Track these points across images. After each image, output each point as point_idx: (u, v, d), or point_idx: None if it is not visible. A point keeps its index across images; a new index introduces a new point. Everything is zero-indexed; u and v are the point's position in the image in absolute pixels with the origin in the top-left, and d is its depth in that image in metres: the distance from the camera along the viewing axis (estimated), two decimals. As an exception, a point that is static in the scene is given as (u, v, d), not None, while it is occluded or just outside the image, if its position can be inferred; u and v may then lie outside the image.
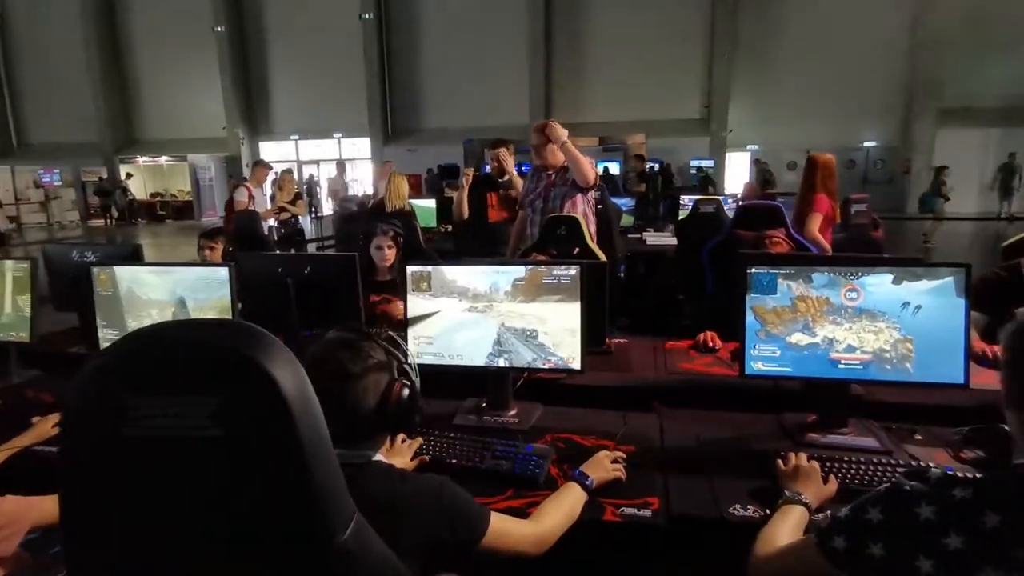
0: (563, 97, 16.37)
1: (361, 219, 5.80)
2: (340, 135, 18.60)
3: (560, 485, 1.32)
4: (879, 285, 1.49)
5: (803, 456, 1.34)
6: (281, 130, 19.08)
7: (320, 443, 0.64)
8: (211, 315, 1.91)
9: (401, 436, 1.49)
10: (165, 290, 1.96)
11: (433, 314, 1.72)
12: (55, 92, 19.14)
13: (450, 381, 1.77)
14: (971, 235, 11.44)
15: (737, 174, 15.19)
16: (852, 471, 1.33)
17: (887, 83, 14.58)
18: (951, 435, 1.52)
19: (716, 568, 1.26)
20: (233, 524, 0.63)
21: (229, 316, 1.92)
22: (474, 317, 1.68)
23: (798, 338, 1.55)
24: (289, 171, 7.61)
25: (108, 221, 18.14)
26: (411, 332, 1.73)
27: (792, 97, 15.14)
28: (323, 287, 2.18)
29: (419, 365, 1.63)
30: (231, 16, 17.90)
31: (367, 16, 16.81)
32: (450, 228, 5.75)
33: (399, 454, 1.43)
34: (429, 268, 1.72)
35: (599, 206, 3.61)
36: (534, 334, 1.65)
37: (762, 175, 13.16)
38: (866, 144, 15.22)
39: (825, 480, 1.28)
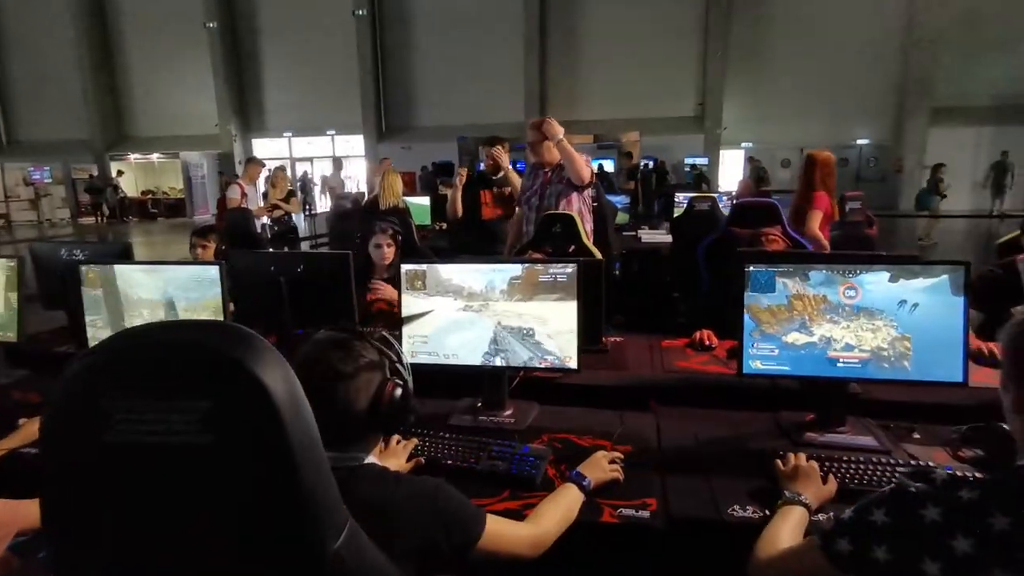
0: (558, 94, 16.35)
1: (355, 217, 5.77)
2: (334, 132, 18.52)
3: (557, 486, 1.31)
4: (876, 283, 1.48)
5: (802, 456, 1.33)
6: (274, 127, 18.97)
7: (311, 449, 0.62)
8: (203, 315, 1.88)
9: (396, 437, 1.47)
10: (155, 289, 1.93)
11: (427, 313, 1.69)
12: (45, 88, 18.96)
13: (445, 381, 1.76)
14: (963, 232, 11.50)
15: (731, 172, 15.23)
16: (851, 471, 1.32)
17: (880, 81, 14.64)
18: (949, 433, 1.52)
19: (716, 570, 1.25)
20: (221, 533, 0.61)
21: (221, 315, 1.89)
22: (469, 316, 1.66)
23: (795, 337, 1.54)
24: (282, 168, 7.54)
25: (99, 219, 17.98)
26: (406, 331, 1.71)
27: (785, 95, 15.19)
28: (317, 286, 2.16)
29: (414, 365, 1.61)
30: (223, 12, 17.77)
31: (360, 12, 16.73)
32: (445, 226, 5.73)
33: (394, 455, 1.41)
34: (424, 266, 1.70)
35: (595, 204, 3.59)
36: (531, 332, 1.63)
37: (756, 172, 13.18)
38: (859, 142, 15.29)
39: (824, 480, 1.27)
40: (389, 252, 2.76)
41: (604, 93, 16.01)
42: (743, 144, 15.75)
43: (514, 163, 3.98)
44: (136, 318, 1.94)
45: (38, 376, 2.15)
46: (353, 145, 18.16)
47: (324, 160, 19.04)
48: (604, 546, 1.27)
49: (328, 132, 18.57)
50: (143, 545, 0.63)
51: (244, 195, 5.99)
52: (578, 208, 3.31)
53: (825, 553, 0.87)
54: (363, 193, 10.08)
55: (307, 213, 15.00)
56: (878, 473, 1.30)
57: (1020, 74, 13.42)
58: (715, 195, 5.57)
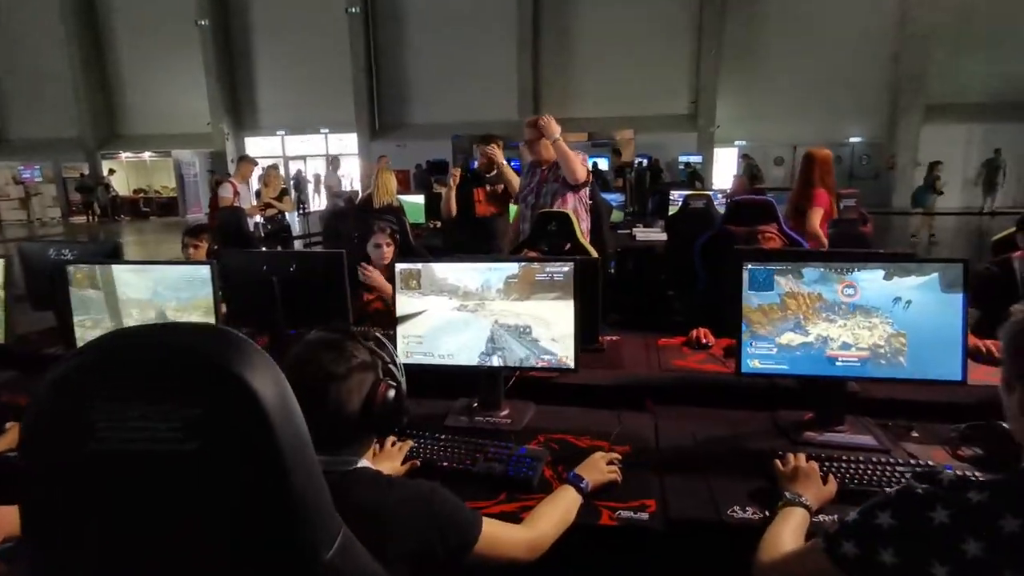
0: (551, 92, 16.32)
1: (349, 215, 5.74)
2: (327, 131, 18.42)
3: (554, 488, 1.29)
4: (872, 281, 1.47)
5: (802, 456, 1.32)
6: (267, 125, 18.86)
7: (303, 456, 0.60)
8: (193, 315, 1.85)
9: (392, 439, 1.45)
10: (145, 289, 1.90)
11: (420, 313, 1.67)
12: (35, 86, 18.76)
13: (440, 381, 1.74)
14: (954, 230, 11.56)
15: (724, 170, 15.26)
16: (851, 471, 1.31)
17: (873, 79, 14.69)
18: (948, 432, 1.51)
19: (716, 572, 1.24)
20: (211, 544, 0.59)
21: (212, 315, 1.86)
22: (465, 315, 1.64)
23: (789, 338, 1.52)
24: (275, 167, 7.48)
25: (90, 218, 17.84)
26: (400, 331, 1.69)
27: (779, 93, 15.22)
28: (310, 285, 2.14)
29: (409, 365, 1.59)
30: (215, 10, 17.63)
31: (353, 10, 16.64)
32: (439, 224, 5.70)
33: (389, 458, 1.39)
34: (419, 266, 1.68)
35: (590, 202, 3.58)
36: (528, 330, 1.61)
37: (750, 170, 13.22)
38: (852, 140, 15.34)
39: (824, 480, 1.26)
40: (388, 251, 2.74)
41: (598, 91, 16.00)
42: (736, 142, 15.78)
43: (508, 161, 3.95)
44: (126, 318, 1.91)
45: (27, 378, 2.12)
46: (346, 143, 18.07)
47: (317, 158, 18.98)
48: (602, 549, 1.26)
49: (321, 130, 18.47)
50: (129, 555, 0.60)
51: (236, 194, 5.94)
52: (573, 207, 3.30)
53: (830, 556, 0.86)
54: (357, 191, 10.03)
55: (301, 212, 14.91)
56: (878, 473, 1.29)
57: (1012, 72, 13.50)
58: (710, 193, 5.57)
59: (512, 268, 1.62)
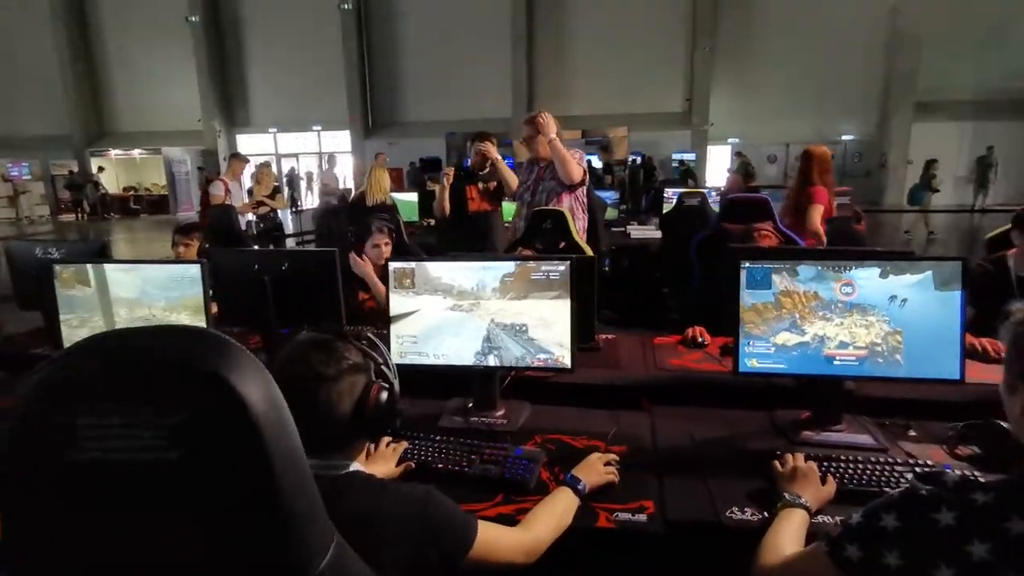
0: (546, 90, 16.29)
1: (342, 213, 5.70)
2: (320, 128, 18.32)
3: (551, 489, 1.27)
4: (868, 279, 1.46)
5: (800, 457, 1.31)
6: (259, 123, 18.73)
7: (294, 464, 0.58)
8: (181, 314, 1.82)
9: (386, 440, 1.43)
10: (134, 288, 1.86)
11: (413, 313, 1.65)
12: (22, 82, 18.51)
13: (434, 380, 1.72)
14: (947, 227, 11.61)
15: (718, 167, 15.29)
16: (850, 471, 1.30)
17: (864, 78, 14.76)
18: (945, 431, 1.51)
19: (715, 574, 1.22)
20: (198, 556, 0.56)
21: (202, 315, 1.83)
22: (460, 315, 1.62)
23: (785, 338, 1.51)
24: (267, 164, 7.42)
25: (79, 216, 17.67)
26: (394, 331, 1.67)
27: (771, 91, 15.27)
28: (302, 284, 2.11)
29: (403, 365, 1.57)
30: (205, 5, 17.48)
31: (346, 6, 16.53)
32: (432, 222, 5.67)
33: (383, 460, 1.37)
34: (413, 264, 1.65)
35: (586, 200, 3.57)
36: (524, 329, 1.59)
37: (743, 168, 13.24)
38: (844, 138, 15.41)
39: (823, 481, 1.25)
40: (387, 251, 2.72)
41: (592, 88, 15.99)
42: (730, 140, 15.81)
43: (503, 158, 3.94)
44: (113, 317, 1.87)
45: (14, 378, 2.08)
46: (340, 141, 17.98)
47: (310, 156, 18.88)
48: (600, 551, 1.24)
49: (314, 128, 18.36)
50: (114, 567, 0.58)
51: (228, 192, 5.89)
52: (569, 206, 3.28)
53: (833, 559, 0.84)
54: (350, 189, 9.98)
55: (294, 210, 14.83)
56: (876, 473, 1.29)
57: (1002, 70, 13.60)
58: (704, 190, 5.56)
59: (507, 267, 1.60)
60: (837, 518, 1.17)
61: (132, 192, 19.39)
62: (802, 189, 3.75)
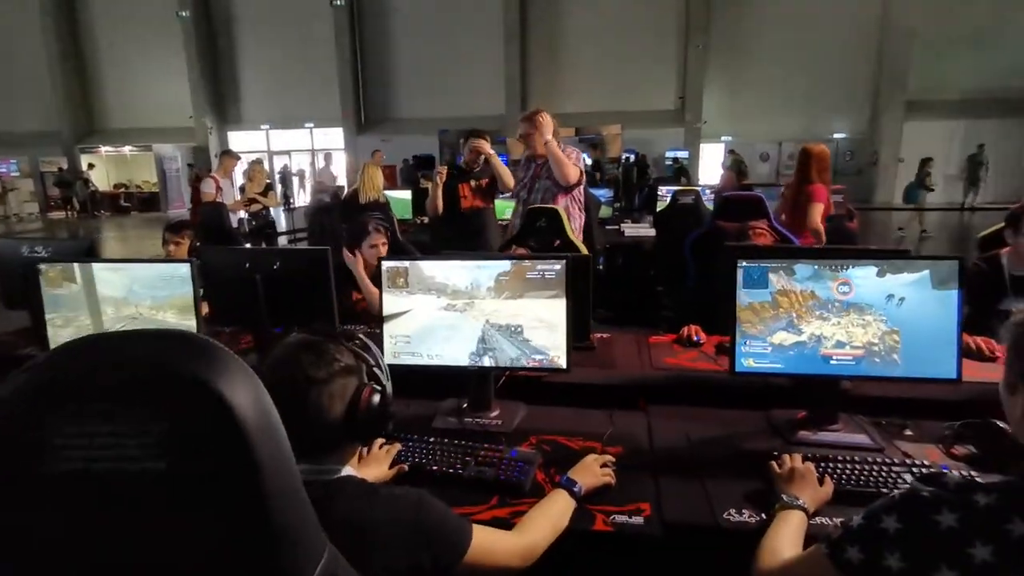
0: (539, 87, 16.26)
1: (334, 211, 5.66)
2: (312, 125, 18.20)
3: (547, 491, 1.26)
4: (865, 278, 1.45)
5: (798, 457, 1.30)
6: (251, 119, 18.59)
7: (284, 473, 0.56)
8: (169, 313, 1.79)
9: (379, 442, 1.41)
10: (121, 287, 1.83)
11: (405, 312, 1.63)
12: (11, 78, 18.26)
13: (428, 380, 1.70)
14: (937, 225, 11.69)
15: (711, 165, 15.32)
16: (847, 471, 1.29)
17: (856, 76, 14.82)
18: (941, 430, 1.50)
19: (712, 577, 1.21)
20: (184, 570, 0.54)
21: (190, 314, 1.80)
22: (455, 314, 1.60)
23: (782, 337, 1.50)
24: (259, 161, 7.36)
25: (69, 213, 17.49)
26: (388, 331, 1.65)
27: (764, 89, 15.30)
28: (294, 283, 2.08)
29: (397, 366, 1.55)
30: (196, 1, 17.30)
31: (339, 2, 16.43)
32: (425, 220, 5.64)
33: (376, 462, 1.35)
34: (406, 263, 1.63)
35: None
36: (519, 329, 1.58)
37: (736, 165, 13.27)
38: (836, 136, 15.47)
39: (820, 481, 1.24)
40: (384, 250, 2.69)
41: (585, 86, 15.97)
42: (723, 137, 15.85)
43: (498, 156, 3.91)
44: (99, 316, 1.84)
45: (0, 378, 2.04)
46: (332, 138, 17.88)
47: (302, 153, 18.78)
48: (597, 554, 1.23)
49: (306, 125, 18.25)
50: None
51: (219, 189, 5.84)
52: (565, 205, 3.27)
53: (833, 562, 0.83)
54: (342, 187, 9.93)
55: (287, 207, 14.76)
56: (874, 473, 1.28)
57: (992, 69, 13.68)
58: (698, 188, 5.56)
59: (502, 266, 1.58)
60: (836, 519, 1.16)
61: (123, 189, 19.20)
62: (800, 187, 3.75)
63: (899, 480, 1.26)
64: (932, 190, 11.00)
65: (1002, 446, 1.38)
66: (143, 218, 17.01)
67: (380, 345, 1.62)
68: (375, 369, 1.01)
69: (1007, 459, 1.31)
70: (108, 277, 1.83)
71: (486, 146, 3.73)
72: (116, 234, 13.84)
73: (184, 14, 17.03)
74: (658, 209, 5.58)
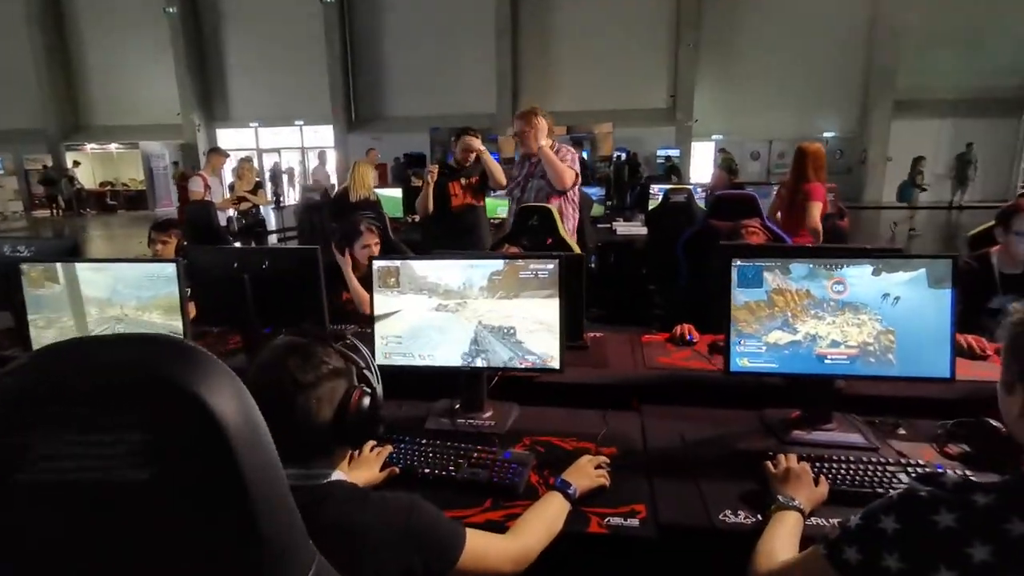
0: (530, 85, 16.22)
1: (324, 209, 5.61)
2: (302, 123, 18.06)
3: (541, 494, 1.24)
4: (860, 277, 1.45)
5: (793, 458, 1.29)
6: (239, 117, 18.41)
7: (270, 482, 0.54)
8: (154, 314, 1.76)
9: (371, 444, 1.38)
10: (105, 287, 1.79)
11: (401, 312, 1.61)
12: (-6, 74, 18.03)
13: (420, 381, 1.68)
14: (925, 223, 11.80)
15: (702, 164, 15.37)
16: (842, 471, 1.28)
17: (845, 75, 14.90)
18: (934, 428, 1.50)
19: (708, 579, 1.20)
20: (164, 583, 0.52)
21: (176, 314, 1.77)
22: (447, 315, 1.58)
23: (777, 336, 1.49)
24: (249, 159, 7.28)
25: (54, 212, 17.25)
26: (379, 331, 1.62)
27: (755, 88, 15.36)
28: (283, 282, 2.05)
29: (388, 367, 1.53)
30: (184, -4, 17.13)
31: (328, -1, 16.31)
32: (417, 218, 5.61)
33: (367, 465, 1.33)
34: (397, 263, 1.61)
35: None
36: (511, 331, 1.56)
37: (727, 164, 13.33)
38: (825, 135, 15.57)
39: (815, 482, 1.23)
40: (376, 250, 2.66)
41: (577, 84, 15.95)
42: (714, 136, 15.90)
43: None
44: (83, 318, 1.80)
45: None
46: (322, 135, 17.75)
47: (292, 151, 18.64)
48: (592, 556, 1.21)
49: (296, 122, 18.11)
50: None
51: (207, 187, 5.77)
52: (558, 205, 3.26)
53: (831, 563, 0.83)
54: (333, 185, 9.86)
55: (277, 206, 14.63)
56: (869, 473, 1.27)
57: (979, 68, 13.80)
58: (690, 187, 5.57)
59: (495, 266, 1.56)
60: (832, 520, 1.15)
61: (109, 187, 18.97)
62: (797, 186, 3.74)
63: (894, 480, 1.25)
64: (925, 189, 11.09)
65: (995, 445, 1.38)
66: (130, 216, 16.81)
67: (371, 346, 1.60)
68: (365, 371, 0.99)
69: (1000, 458, 1.31)
70: (92, 277, 1.80)
71: (477, 142, 3.71)
72: (102, 233, 13.67)
73: (171, 10, 16.83)
74: (650, 207, 5.58)
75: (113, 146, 18.80)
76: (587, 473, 1.28)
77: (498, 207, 5.63)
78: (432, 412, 1.67)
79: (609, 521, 1.19)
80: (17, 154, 17.90)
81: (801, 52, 14.72)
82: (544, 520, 1.15)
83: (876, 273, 1.44)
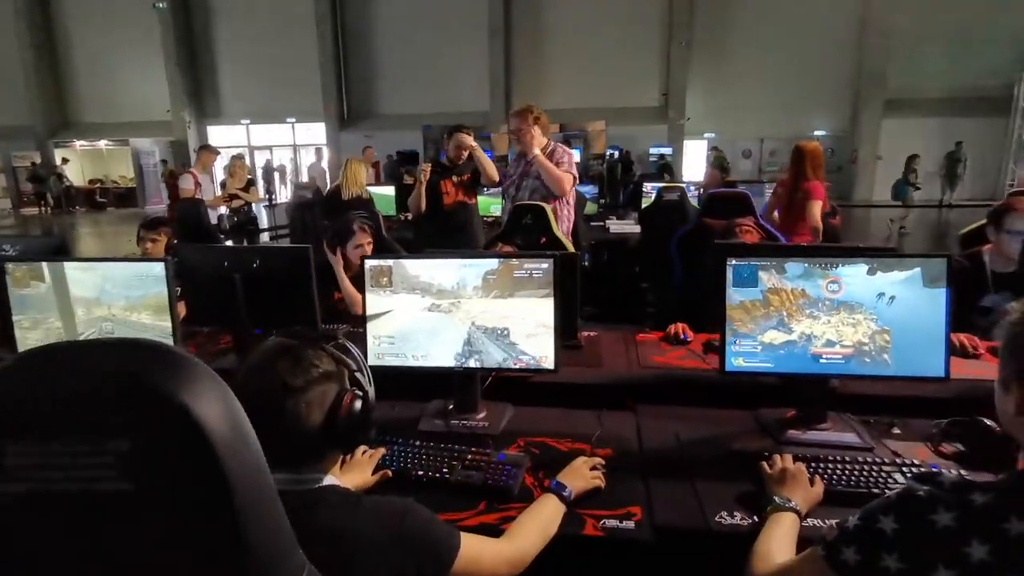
0: (523, 83, 16.20)
1: (316, 207, 5.57)
2: (293, 120, 17.95)
3: (536, 496, 1.23)
4: (855, 276, 1.44)
5: (788, 458, 1.28)
6: (230, 114, 18.26)
7: (258, 489, 0.52)
8: (144, 315, 1.73)
9: (363, 447, 1.36)
10: (92, 287, 1.76)
11: (388, 312, 1.59)
12: (-20, 70, 17.79)
13: (413, 381, 1.67)
14: (915, 221, 11.87)
15: (694, 162, 15.40)
16: (837, 471, 1.28)
17: (837, 74, 14.97)
18: (929, 428, 1.50)
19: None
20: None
21: (165, 314, 1.74)
22: (440, 315, 1.57)
23: (772, 336, 1.49)
24: (240, 156, 7.21)
25: (43, 209, 17.06)
26: (371, 332, 1.60)
27: (746, 86, 15.39)
28: (275, 282, 2.02)
29: (381, 367, 1.51)
30: (174, -9, 16.96)
31: (320, -5, 16.20)
32: (409, 216, 5.58)
33: (359, 468, 1.31)
34: (390, 262, 1.59)
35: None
36: (505, 332, 1.54)
37: (719, 162, 13.35)
38: (817, 133, 15.63)
39: (811, 482, 1.23)
40: (369, 249, 2.64)
41: (570, 82, 15.93)
42: (706, 134, 15.93)
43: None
44: (68, 318, 1.77)
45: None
46: (314, 133, 17.64)
47: (284, 148, 18.52)
48: (587, 559, 1.20)
49: (288, 120, 17.98)
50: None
51: (198, 185, 5.71)
52: (553, 207, 3.24)
53: (830, 563, 0.82)
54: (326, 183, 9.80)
55: (269, 204, 14.55)
56: (864, 473, 1.27)
57: (969, 68, 13.89)
58: (683, 185, 5.58)
59: (489, 265, 1.54)
60: (828, 521, 1.14)
61: (98, 185, 18.77)
62: (796, 185, 3.73)
63: (890, 480, 1.25)
64: (919, 188, 11.15)
65: (989, 444, 1.38)
66: (119, 214, 16.65)
67: (364, 346, 1.58)
68: (357, 374, 0.97)
69: (994, 457, 1.31)
70: (79, 276, 1.77)
71: (469, 139, 3.69)
72: (91, 231, 13.54)
73: (161, 5, 16.65)
74: (643, 206, 5.58)
75: (103, 143, 18.60)
76: (582, 475, 1.26)
77: (491, 205, 5.61)
78: (425, 413, 1.65)
79: (605, 523, 1.18)
80: (5, 151, 17.67)
81: (792, 51, 14.77)
82: (539, 523, 1.13)
83: (871, 272, 1.43)
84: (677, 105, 15.55)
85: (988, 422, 1.41)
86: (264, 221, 10.67)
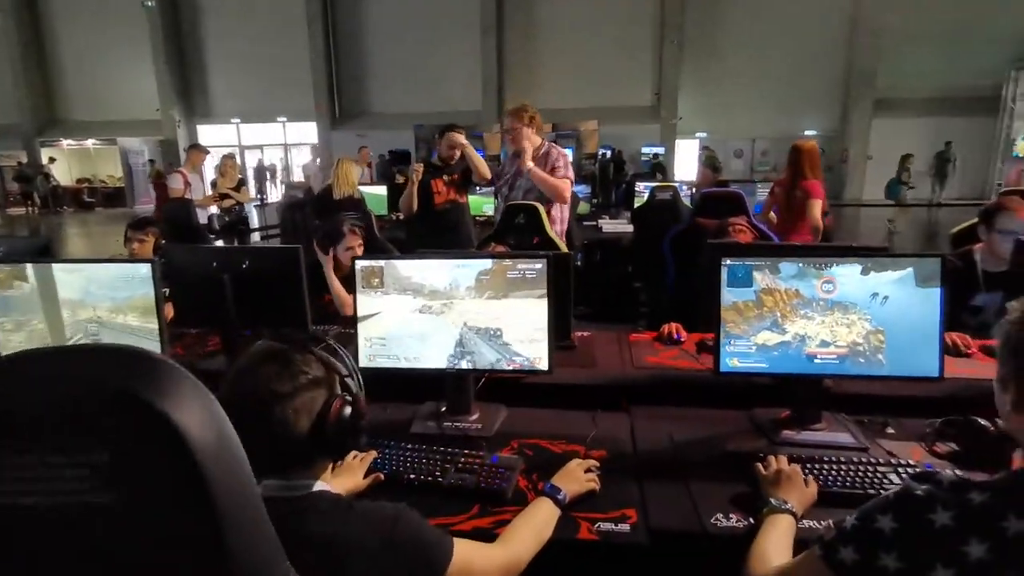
0: (515, 83, 16.17)
1: (307, 206, 5.53)
2: (284, 119, 17.83)
3: (530, 499, 1.22)
4: (849, 276, 1.44)
5: (783, 459, 1.28)
6: (220, 113, 18.12)
7: (242, 498, 0.50)
8: (130, 316, 1.70)
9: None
10: (78, 288, 1.73)
11: (380, 314, 1.57)
12: (-35, 69, 17.55)
13: (405, 382, 1.65)
14: (905, 220, 11.96)
15: (686, 161, 15.44)
16: (833, 472, 1.27)
17: (827, 73, 15.05)
18: (922, 427, 1.50)
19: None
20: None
21: (152, 316, 1.71)
22: (432, 316, 1.55)
23: (766, 337, 1.48)
24: (231, 156, 7.14)
25: (30, 209, 16.87)
26: (362, 333, 1.58)
27: (738, 86, 15.46)
28: (264, 283, 2.00)
29: (372, 369, 1.49)
30: (162, -11, 16.80)
31: (311, -7, 16.10)
32: (401, 216, 5.55)
33: (350, 472, 1.29)
34: (381, 263, 1.57)
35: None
36: (498, 333, 1.53)
37: (710, 162, 13.39)
38: (808, 133, 15.71)
39: (806, 483, 1.22)
40: (360, 251, 2.62)
41: (562, 81, 15.93)
42: (698, 134, 15.98)
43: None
44: (57, 320, 1.74)
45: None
46: (305, 132, 17.54)
47: (275, 148, 18.41)
48: (582, 563, 1.19)
49: (278, 119, 17.87)
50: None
51: (187, 184, 5.65)
52: (547, 209, 3.23)
53: (828, 563, 0.82)
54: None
55: (260, 203, 14.47)
56: (860, 474, 1.26)
57: (959, 68, 14.01)
58: (676, 184, 5.58)
59: (482, 265, 1.53)
60: (824, 522, 1.13)
61: (86, 184, 18.58)
62: (795, 184, 3.73)
63: (885, 480, 1.24)
64: (913, 187, 11.22)
65: (984, 443, 1.38)
66: (107, 214, 16.48)
67: (354, 348, 1.56)
68: (347, 379, 0.95)
69: (989, 456, 1.31)
70: (64, 278, 1.73)
71: (460, 137, 3.68)
72: (79, 231, 13.40)
73: (149, 3, 16.49)
74: (636, 205, 5.58)
75: (90, 142, 18.42)
76: (577, 477, 1.25)
77: (484, 205, 5.59)
78: (418, 415, 1.63)
79: (599, 527, 1.16)
80: (-10, 150, 17.48)
81: (784, 51, 14.85)
82: (533, 527, 1.12)
83: (865, 272, 1.43)
84: (669, 104, 15.59)
85: (982, 421, 1.41)
86: (255, 221, 10.59)
